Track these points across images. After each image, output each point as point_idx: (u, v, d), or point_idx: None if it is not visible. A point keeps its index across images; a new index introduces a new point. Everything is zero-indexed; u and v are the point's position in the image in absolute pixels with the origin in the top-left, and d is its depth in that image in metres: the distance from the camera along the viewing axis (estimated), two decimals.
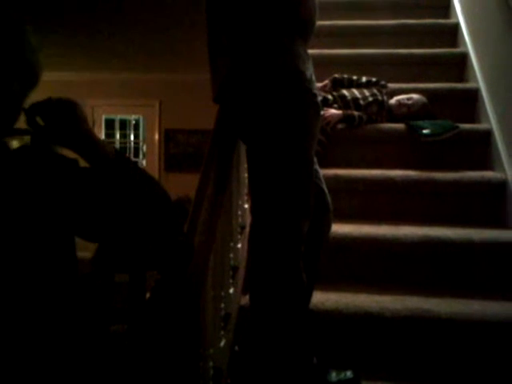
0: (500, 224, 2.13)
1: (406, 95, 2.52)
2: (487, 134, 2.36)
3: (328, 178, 2.04)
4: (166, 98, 6.30)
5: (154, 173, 6.53)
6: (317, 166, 1.62)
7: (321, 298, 1.79)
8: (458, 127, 2.32)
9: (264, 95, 1.32)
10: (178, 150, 6.45)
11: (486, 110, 2.45)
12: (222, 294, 1.55)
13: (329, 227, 1.65)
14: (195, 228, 1.28)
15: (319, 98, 1.40)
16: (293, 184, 1.35)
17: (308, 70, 1.38)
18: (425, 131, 2.30)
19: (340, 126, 2.38)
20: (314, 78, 1.41)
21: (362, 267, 2.00)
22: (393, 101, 2.53)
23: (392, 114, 2.50)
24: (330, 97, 2.47)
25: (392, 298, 1.81)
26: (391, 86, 2.60)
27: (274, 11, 1.36)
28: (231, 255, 1.65)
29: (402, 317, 1.72)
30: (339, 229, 1.97)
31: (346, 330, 1.77)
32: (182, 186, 3.68)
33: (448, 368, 1.70)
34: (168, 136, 6.42)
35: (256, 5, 1.35)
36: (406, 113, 2.45)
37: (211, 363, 1.39)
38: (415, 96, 2.50)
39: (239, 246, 1.78)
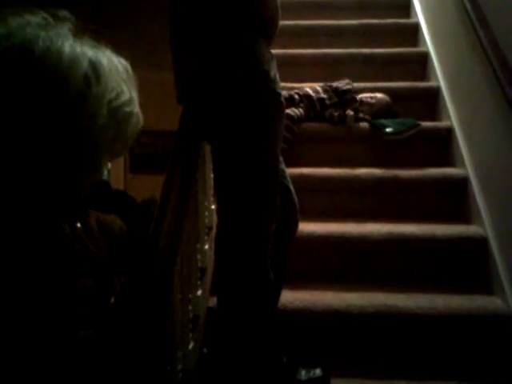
0: (462, 219, 2.19)
1: (369, 94, 2.55)
2: (448, 132, 2.42)
3: (293, 177, 2.04)
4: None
5: (119, 174, 6.45)
6: (283, 165, 1.62)
7: (289, 297, 1.80)
8: (419, 125, 2.37)
9: (228, 95, 1.32)
10: (144, 151, 6.37)
11: (446, 107, 2.51)
12: (190, 296, 1.54)
13: (296, 226, 1.66)
14: (161, 230, 1.26)
15: (284, 97, 1.41)
16: (258, 184, 1.35)
17: (272, 70, 1.39)
18: (387, 129, 2.34)
19: None
20: (277, 77, 1.42)
21: (330, 265, 2.02)
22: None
23: (356, 112, 2.53)
24: (296, 96, 2.48)
25: (359, 294, 1.84)
26: (355, 85, 2.63)
27: (237, 12, 1.35)
28: (198, 257, 1.64)
29: (368, 313, 1.74)
30: (306, 227, 1.99)
31: (314, 328, 1.78)
32: (149, 187, 3.63)
33: (414, 361, 1.74)
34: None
35: (219, 5, 1.34)
36: (370, 111, 2.48)
37: (180, 366, 1.38)
38: (379, 95, 2.54)
39: (206, 247, 1.77)
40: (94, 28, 0.71)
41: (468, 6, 2.07)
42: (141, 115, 0.76)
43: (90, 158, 0.70)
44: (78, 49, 0.67)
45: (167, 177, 1.37)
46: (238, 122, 1.32)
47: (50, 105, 0.64)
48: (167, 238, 1.28)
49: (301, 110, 2.44)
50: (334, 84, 2.54)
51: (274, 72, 1.40)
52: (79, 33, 0.69)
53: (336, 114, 2.43)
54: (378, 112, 2.48)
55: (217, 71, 1.34)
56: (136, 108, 0.75)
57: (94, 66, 0.68)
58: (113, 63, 0.72)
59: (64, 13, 0.71)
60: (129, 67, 0.75)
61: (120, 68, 0.73)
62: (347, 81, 2.56)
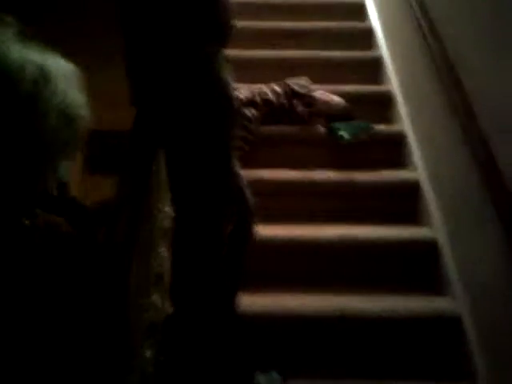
0: (415, 221, 2.24)
1: (327, 95, 2.58)
2: (401, 135, 2.47)
3: (251, 180, 2.05)
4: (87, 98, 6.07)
5: (75, 175, 6.31)
6: (238, 169, 1.62)
7: (248, 301, 1.79)
8: (373, 128, 2.42)
9: (182, 100, 1.31)
10: (101, 152, 6.24)
11: (399, 111, 2.57)
12: (146, 302, 1.52)
13: (251, 229, 1.66)
14: (114, 236, 1.24)
15: (244, 98, 1.41)
16: (213, 187, 1.34)
17: (226, 74, 1.38)
18: (342, 133, 2.37)
19: None
20: (231, 81, 1.41)
21: (287, 268, 2.03)
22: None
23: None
24: (257, 99, 2.48)
25: (316, 297, 1.86)
26: (312, 88, 2.65)
27: (192, 16, 1.34)
28: (154, 262, 1.62)
29: (325, 316, 1.77)
30: (263, 231, 1.98)
31: (273, 331, 1.79)
32: (106, 189, 3.56)
33: (370, 362, 1.78)
34: (90, 137, 6.19)
35: (173, 10, 1.32)
36: (326, 112, 2.51)
37: (136, 374, 1.36)
38: (336, 99, 2.57)
39: (163, 252, 1.75)
40: (43, 33, 0.74)
41: (418, 13, 2.12)
42: (91, 116, 0.80)
43: (44, 157, 0.74)
44: (26, 54, 0.70)
45: (121, 180, 1.34)
46: (191, 125, 1.31)
47: (0, 107, 0.67)
48: (121, 243, 1.26)
49: (258, 111, 2.44)
50: (295, 87, 2.55)
51: (228, 76, 1.39)
52: (27, 38, 0.72)
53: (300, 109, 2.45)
54: (335, 115, 2.51)
55: (170, 75, 1.32)
56: (85, 109, 0.79)
57: (43, 70, 0.72)
58: (61, 67, 0.76)
59: (9, 18, 0.72)
60: (77, 71, 0.79)
61: (68, 71, 0.77)
62: (304, 81, 2.58)
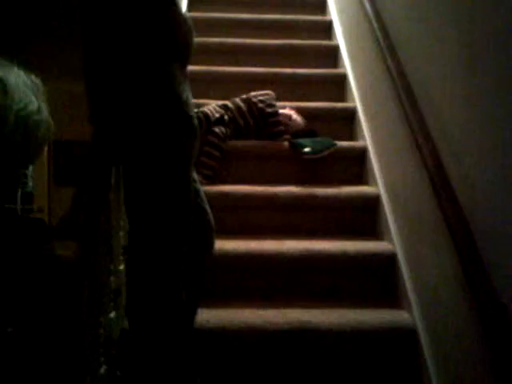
0: (375, 236, 2.29)
1: (287, 112, 2.64)
2: (363, 151, 2.53)
3: (213, 195, 2.08)
4: (54, 108, 6.01)
5: (43, 186, 6.21)
6: (198, 185, 1.64)
7: (206, 316, 1.80)
8: (335, 144, 2.47)
9: (138, 118, 1.32)
10: (69, 162, 6.17)
11: (362, 128, 2.63)
12: (102, 319, 1.51)
13: (211, 246, 1.67)
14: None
15: (196, 122, 1.43)
16: (169, 207, 1.35)
17: (184, 93, 1.40)
18: (306, 149, 2.42)
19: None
20: (190, 99, 1.43)
21: (248, 282, 2.04)
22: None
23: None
24: (226, 117, 2.51)
25: (275, 311, 1.87)
26: (278, 105, 2.69)
27: (149, 34, 1.36)
28: (112, 278, 1.62)
29: (283, 330, 1.78)
30: (224, 245, 2.01)
31: (230, 346, 1.80)
32: None
33: (329, 376, 1.80)
34: (58, 148, 6.12)
35: (130, 28, 1.34)
36: (288, 132, 2.57)
37: None
38: (297, 119, 2.62)
39: (122, 267, 1.74)
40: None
41: (379, 34, 2.19)
42: (51, 123, 0.88)
43: (4, 161, 0.80)
44: None
45: (76, 196, 1.34)
46: (148, 145, 1.32)
47: None
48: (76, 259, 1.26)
49: (226, 129, 2.47)
50: (260, 105, 2.58)
51: (187, 94, 1.41)
52: None
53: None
54: (296, 132, 2.56)
55: (127, 93, 1.33)
56: (44, 116, 0.86)
57: (2, 82, 0.79)
58: (21, 78, 0.83)
59: None
60: (39, 82, 0.87)
61: (28, 82, 0.84)
62: (269, 96, 2.63)
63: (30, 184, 6.12)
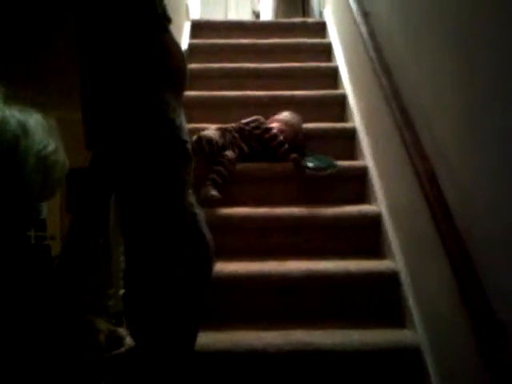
0: (377, 255, 2.28)
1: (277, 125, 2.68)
2: (364, 170, 2.54)
3: (214, 218, 2.09)
4: (66, 135, 6.11)
5: (55, 213, 6.28)
6: (197, 209, 1.65)
7: (211, 339, 1.80)
8: (337, 166, 2.48)
9: (132, 145, 1.34)
10: (79, 190, 6.23)
11: (362, 148, 2.64)
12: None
13: (210, 270, 1.67)
14: (64, 281, 1.26)
15: (190, 147, 1.45)
16: (164, 232, 1.36)
17: (178, 118, 1.42)
18: (309, 164, 2.44)
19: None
20: (184, 125, 1.46)
21: (250, 304, 2.04)
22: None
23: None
24: (232, 136, 2.56)
25: (277, 333, 1.86)
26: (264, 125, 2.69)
27: (142, 62, 1.39)
28: (111, 302, 1.63)
29: (285, 351, 1.77)
30: (226, 267, 2.02)
31: (234, 369, 1.79)
32: None
33: None
34: (70, 176, 6.18)
35: (122, 56, 1.38)
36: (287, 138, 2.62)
37: None
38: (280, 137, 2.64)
39: (122, 292, 1.76)
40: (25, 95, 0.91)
41: (373, 55, 2.22)
42: (67, 163, 0.96)
43: (26, 198, 0.88)
44: (7, 112, 0.86)
45: (73, 223, 1.37)
46: (142, 171, 1.34)
47: None
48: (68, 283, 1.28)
49: (233, 153, 2.51)
50: (247, 128, 2.63)
51: (180, 120, 1.44)
52: (9, 99, 0.88)
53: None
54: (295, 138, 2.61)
55: (121, 120, 1.36)
56: (61, 156, 0.94)
57: (22, 124, 0.87)
58: (39, 121, 0.91)
59: None
60: (54, 124, 0.95)
61: (46, 125, 0.92)
62: (257, 121, 2.67)
63: (44, 211, 6.19)
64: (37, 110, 0.94)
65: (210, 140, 2.49)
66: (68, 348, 1.20)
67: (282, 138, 2.60)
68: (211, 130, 2.59)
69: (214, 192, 2.34)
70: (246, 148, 2.60)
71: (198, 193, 2.22)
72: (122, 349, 1.01)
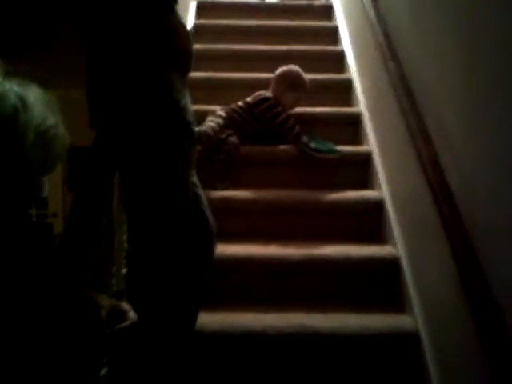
0: (379, 240, 2.28)
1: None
2: (368, 156, 2.53)
3: (215, 200, 2.09)
4: (68, 114, 6.09)
5: (57, 191, 6.30)
6: (199, 190, 1.65)
7: (207, 320, 1.81)
8: (340, 152, 2.47)
9: (137, 124, 1.34)
10: (80, 168, 6.24)
11: (367, 133, 2.63)
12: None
13: (212, 251, 1.68)
14: (66, 259, 1.26)
15: (195, 127, 1.45)
16: (167, 211, 1.37)
17: (183, 99, 1.42)
18: (312, 145, 2.43)
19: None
20: (189, 106, 1.45)
21: (250, 287, 2.05)
22: None
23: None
24: (238, 118, 2.54)
25: (277, 316, 1.87)
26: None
27: (148, 42, 1.39)
28: (113, 281, 1.64)
29: (285, 334, 1.78)
30: (227, 249, 2.02)
31: (231, 350, 1.80)
32: None
33: (331, 380, 1.80)
34: (72, 154, 6.19)
35: (128, 36, 1.37)
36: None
37: None
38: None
39: (124, 271, 1.77)
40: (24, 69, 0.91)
41: (381, 40, 2.19)
42: (67, 137, 0.95)
43: (25, 172, 0.87)
44: (7, 85, 0.85)
45: (76, 200, 1.37)
46: (147, 150, 1.35)
47: None
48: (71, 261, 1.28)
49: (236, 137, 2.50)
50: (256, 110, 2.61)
51: (186, 100, 1.43)
52: (9, 74, 0.87)
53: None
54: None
55: (126, 98, 1.36)
56: (61, 130, 0.93)
57: (21, 98, 0.86)
58: (38, 95, 0.90)
59: None
60: (53, 98, 0.94)
61: (45, 99, 0.91)
62: (264, 97, 2.63)
63: (46, 189, 6.21)
64: (37, 84, 0.93)
65: (209, 136, 2.45)
66: (69, 324, 1.21)
67: (292, 122, 2.57)
68: (214, 117, 2.54)
69: (219, 185, 2.36)
70: (250, 129, 2.58)
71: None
72: (127, 322, 1.01)
